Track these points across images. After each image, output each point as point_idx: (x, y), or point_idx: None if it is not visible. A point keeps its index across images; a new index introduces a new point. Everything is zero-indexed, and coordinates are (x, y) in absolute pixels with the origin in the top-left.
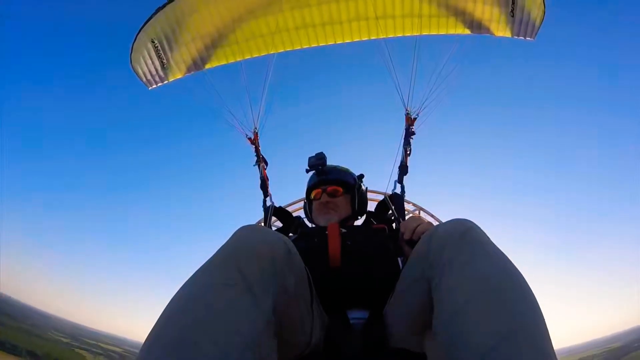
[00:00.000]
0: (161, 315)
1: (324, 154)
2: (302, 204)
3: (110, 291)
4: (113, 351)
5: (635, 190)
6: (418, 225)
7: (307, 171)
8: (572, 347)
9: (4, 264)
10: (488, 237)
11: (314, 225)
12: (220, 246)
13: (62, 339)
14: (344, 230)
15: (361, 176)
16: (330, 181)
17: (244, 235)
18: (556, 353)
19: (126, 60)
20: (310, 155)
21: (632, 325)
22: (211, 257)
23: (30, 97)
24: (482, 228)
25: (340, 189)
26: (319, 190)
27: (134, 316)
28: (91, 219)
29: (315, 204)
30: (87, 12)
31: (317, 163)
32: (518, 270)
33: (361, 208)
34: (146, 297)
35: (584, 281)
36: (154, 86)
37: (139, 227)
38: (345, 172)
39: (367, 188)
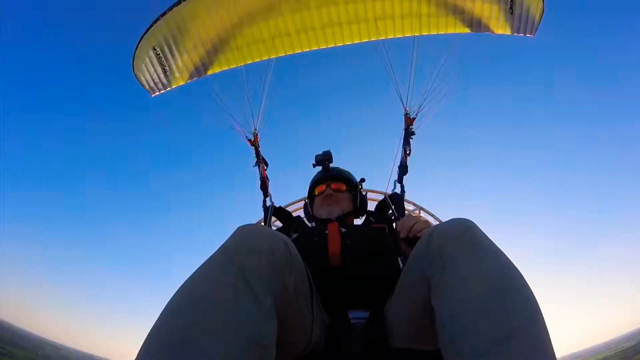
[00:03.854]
0: (160, 315)
1: (330, 152)
2: (301, 204)
3: (118, 316)
4: None
5: None
6: (415, 224)
7: (314, 166)
8: (582, 351)
9: (10, 294)
10: (487, 237)
11: (314, 225)
12: (220, 245)
13: None
14: (343, 229)
15: (362, 180)
16: (335, 177)
17: (244, 234)
18: (571, 358)
19: (127, 68)
20: (317, 153)
21: None
22: (211, 256)
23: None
24: (481, 228)
25: (344, 186)
26: (324, 185)
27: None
28: (98, 244)
29: (318, 198)
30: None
31: (324, 159)
32: (518, 270)
33: (361, 208)
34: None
35: (593, 284)
36: (157, 93)
37: (138, 245)
38: (348, 173)
39: (366, 193)
